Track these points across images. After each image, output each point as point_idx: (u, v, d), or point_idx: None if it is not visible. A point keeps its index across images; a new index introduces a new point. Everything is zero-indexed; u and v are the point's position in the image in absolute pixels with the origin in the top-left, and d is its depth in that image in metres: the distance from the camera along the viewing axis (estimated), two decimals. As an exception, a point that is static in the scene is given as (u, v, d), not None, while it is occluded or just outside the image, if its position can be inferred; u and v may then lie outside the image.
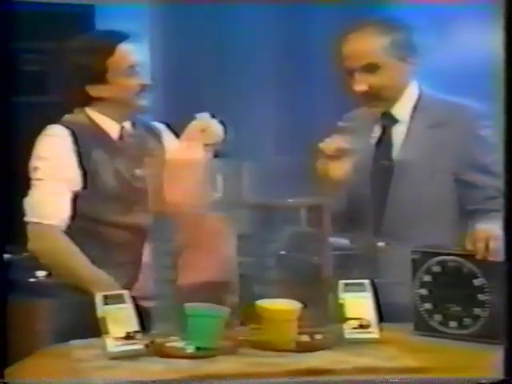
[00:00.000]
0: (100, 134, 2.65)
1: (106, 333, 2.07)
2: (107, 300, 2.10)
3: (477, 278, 2.19)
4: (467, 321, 2.21)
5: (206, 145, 2.41)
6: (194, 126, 2.43)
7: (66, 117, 2.67)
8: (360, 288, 2.26)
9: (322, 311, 2.25)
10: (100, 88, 2.63)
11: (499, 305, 2.13)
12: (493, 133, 2.57)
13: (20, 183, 2.46)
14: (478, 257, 2.22)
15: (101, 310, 2.09)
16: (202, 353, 2.07)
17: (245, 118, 3.88)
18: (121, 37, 2.64)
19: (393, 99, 2.63)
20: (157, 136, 2.76)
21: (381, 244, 2.57)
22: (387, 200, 2.58)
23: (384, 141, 2.64)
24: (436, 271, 2.26)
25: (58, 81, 2.84)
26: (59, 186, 2.55)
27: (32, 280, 4.01)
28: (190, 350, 2.08)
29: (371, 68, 2.56)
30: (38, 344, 2.56)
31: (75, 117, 2.67)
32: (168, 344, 2.11)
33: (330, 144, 2.47)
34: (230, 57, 4.38)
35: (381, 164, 2.62)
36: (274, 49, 3.99)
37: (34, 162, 2.59)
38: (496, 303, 2.15)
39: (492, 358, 2.02)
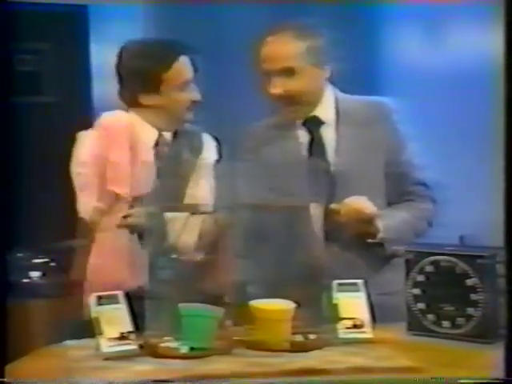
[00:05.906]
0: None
1: (100, 333, 2.08)
2: (101, 300, 2.10)
3: (470, 277, 2.20)
4: (460, 320, 2.21)
5: None
6: None
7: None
8: (354, 288, 2.27)
9: (316, 311, 2.25)
10: (152, 98, 2.61)
11: (492, 304, 2.15)
12: (406, 126, 2.67)
13: (20, 183, 2.46)
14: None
15: (94, 310, 2.10)
16: (196, 353, 2.07)
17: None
18: (181, 49, 2.63)
19: (309, 104, 2.64)
20: (196, 150, 2.71)
21: None
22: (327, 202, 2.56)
23: (315, 144, 2.64)
24: (429, 271, 2.27)
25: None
26: None
27: (26, 281, 4.02)
28: (184, 350, 2.08)
29: (287, 72, 2.57)
30: (32, 344, 2.56)
31: None
32: (162, 344, 2.12)
33: None
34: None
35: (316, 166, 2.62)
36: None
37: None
38: (489, 303, 2.16)
39: (485, 358, 2.03)
